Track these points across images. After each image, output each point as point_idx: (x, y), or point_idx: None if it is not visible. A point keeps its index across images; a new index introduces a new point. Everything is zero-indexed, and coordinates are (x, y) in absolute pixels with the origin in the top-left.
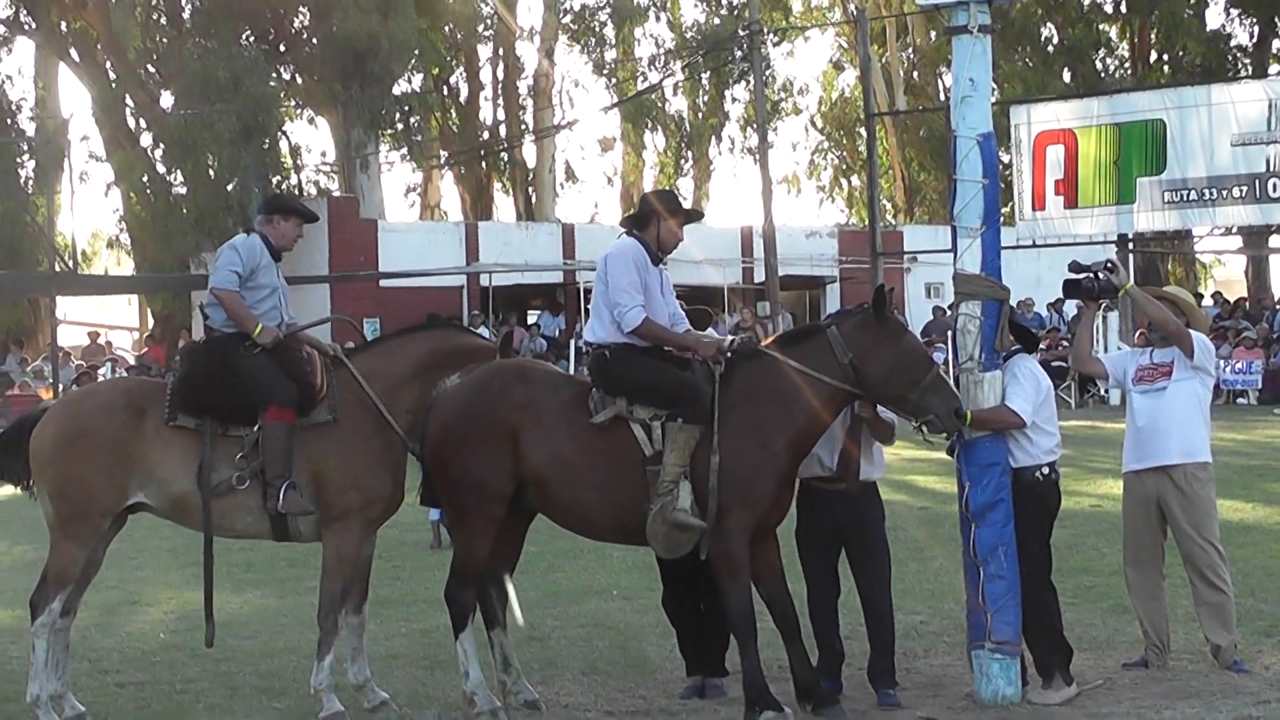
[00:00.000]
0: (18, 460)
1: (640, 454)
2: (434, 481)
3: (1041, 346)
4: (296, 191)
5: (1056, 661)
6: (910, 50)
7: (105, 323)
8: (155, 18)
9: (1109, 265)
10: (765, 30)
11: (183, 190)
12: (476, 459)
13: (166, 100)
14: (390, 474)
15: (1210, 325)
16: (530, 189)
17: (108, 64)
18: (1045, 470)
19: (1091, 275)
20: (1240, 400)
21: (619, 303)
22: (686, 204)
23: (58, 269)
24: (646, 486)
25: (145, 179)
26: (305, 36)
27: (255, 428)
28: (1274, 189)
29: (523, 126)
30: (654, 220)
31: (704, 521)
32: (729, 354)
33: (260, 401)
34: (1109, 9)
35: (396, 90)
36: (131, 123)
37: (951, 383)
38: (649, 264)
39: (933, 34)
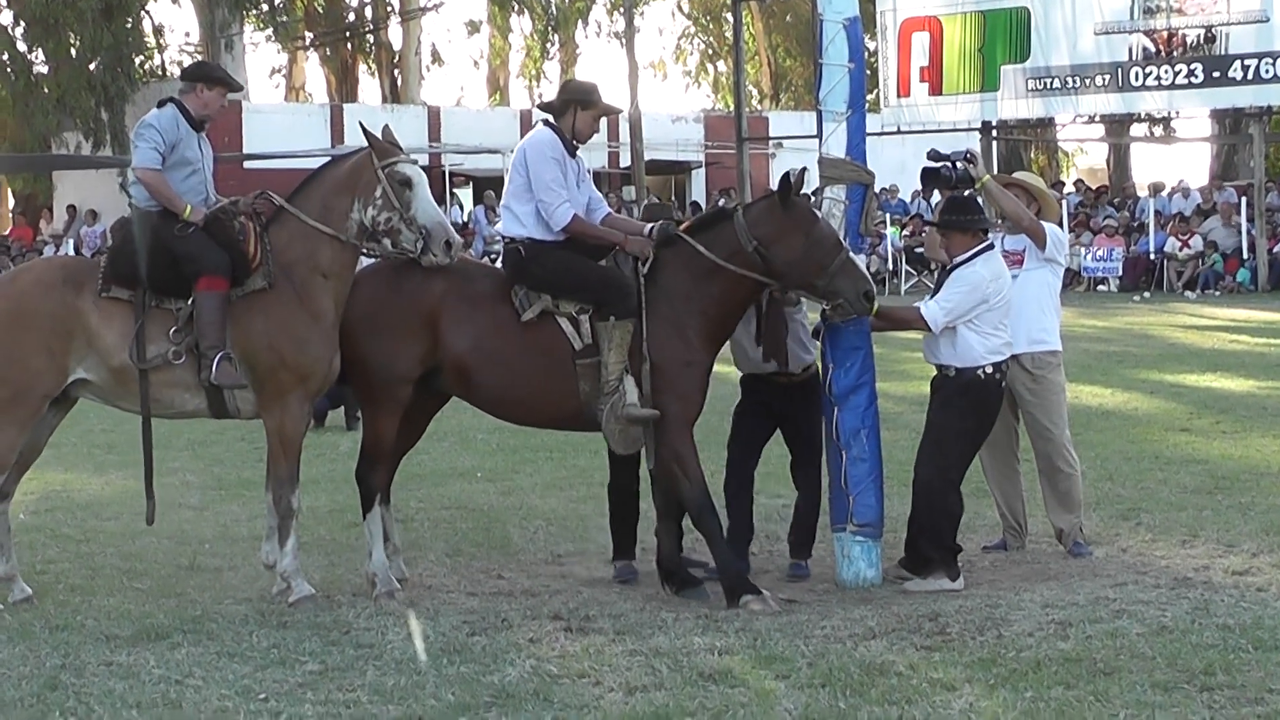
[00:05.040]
0: None
1: (569, 347)
2: (345, 362)
3: (905, 233)
4: (160, 72)
5: (940, 557)
6: None
7: None
8: None
9: (968, 155)
10: None
11: (44, 69)
12: (388, 343)
13: None
14: (328, 340)
15: (1071, 213)
16: (396, 71)
17: None
18: (989, 369)
19: (949, 165)
20: (1101, 287)
21: (545, 200)
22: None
23: None
24: (577, 379)
25: (5, 57)
26: None
27: (189, 301)
28: (1136, 78)
29: (388, 8)
30: (571, 110)
31: (656, 410)
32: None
33: (192, 273)
34: None
35: None
36: None
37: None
38: (566, 155)
39: None
